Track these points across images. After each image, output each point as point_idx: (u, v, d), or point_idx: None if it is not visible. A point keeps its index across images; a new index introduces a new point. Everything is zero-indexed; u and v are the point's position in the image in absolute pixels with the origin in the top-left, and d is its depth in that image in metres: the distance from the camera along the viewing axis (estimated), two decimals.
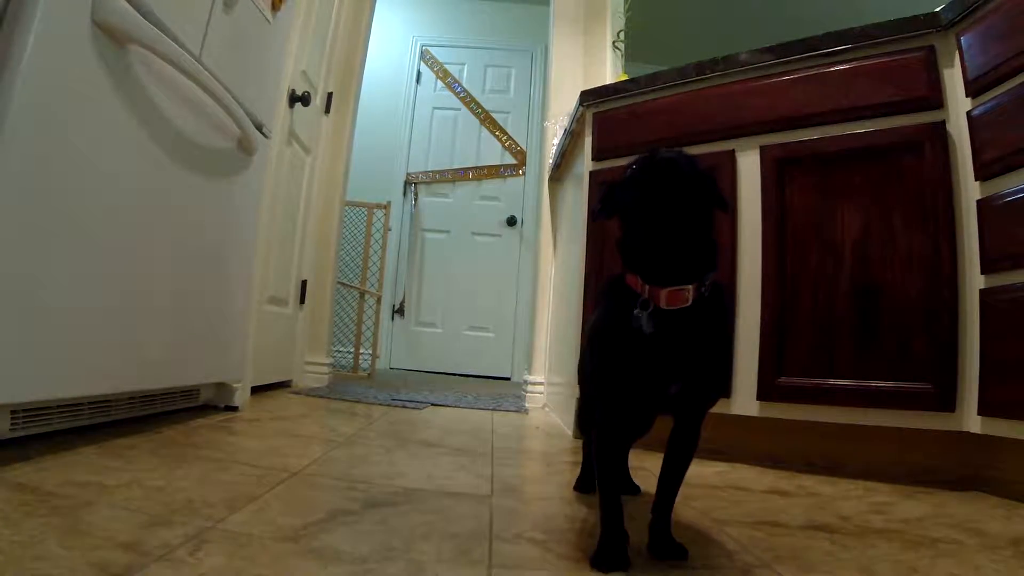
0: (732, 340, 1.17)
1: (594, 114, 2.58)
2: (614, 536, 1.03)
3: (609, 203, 1.09)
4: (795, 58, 2.09)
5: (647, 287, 1.01)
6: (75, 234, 1.38)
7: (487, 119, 5.60)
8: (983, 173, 1.70)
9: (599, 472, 1.10)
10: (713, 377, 1.08)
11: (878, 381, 1.82)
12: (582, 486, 1.53)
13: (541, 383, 3.45)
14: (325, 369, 3.58)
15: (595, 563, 1.00)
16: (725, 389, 1.08)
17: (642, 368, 1.02)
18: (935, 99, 1.83)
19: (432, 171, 5.51)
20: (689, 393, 1.05)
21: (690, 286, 1.00)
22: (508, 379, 5.14)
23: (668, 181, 0.98)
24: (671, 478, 1.12)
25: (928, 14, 1.86)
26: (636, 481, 1.54)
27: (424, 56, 5.70)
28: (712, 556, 1.09)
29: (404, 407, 2.87)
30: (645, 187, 0.99)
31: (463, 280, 5.34)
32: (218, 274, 2.09)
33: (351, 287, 4.49)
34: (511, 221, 5.36)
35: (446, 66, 5.68)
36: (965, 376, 1.71)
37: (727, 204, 1.05)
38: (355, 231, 4.62)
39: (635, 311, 1.01)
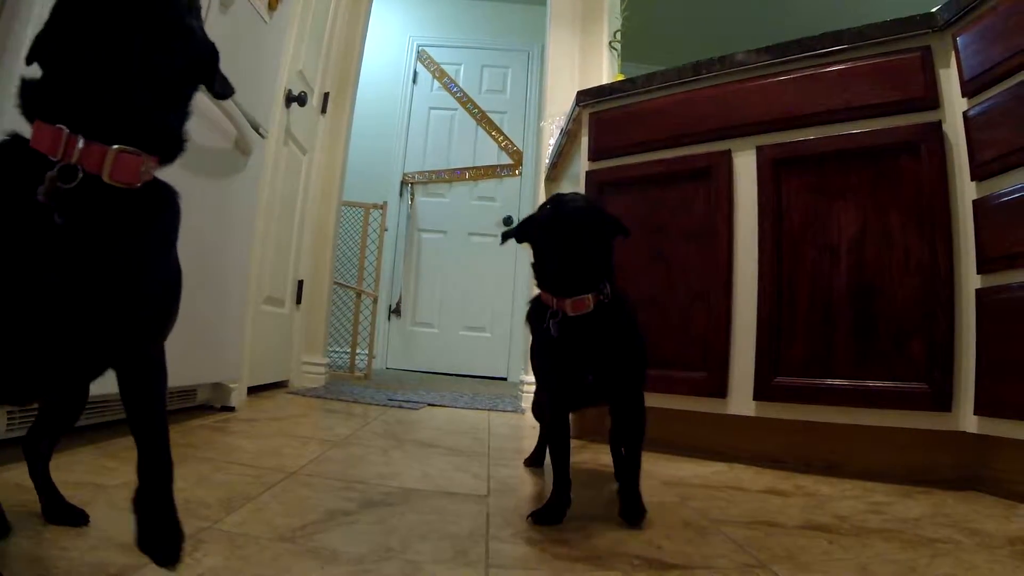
0: (637, 331, 1.36)
1: (590, 114, 2.58)
2: (558, 500, 1.25)
3: (523, 232, 1.37)
4: (791, 58, 2.09)
5: (555, 300, 1.27)
6: None
7: (484, 119, 5.60)
8: (979, 173, 1.70)
9: (551, 446, 1.34)
10: (623, 363, 1.30)
11: (875, 381, 1.82)
12: (532, 462, 1.82)
13: None
14: (322, 369, 3.58)
15: (535, 519, 1.22)
16: (643, 367, 1.36)
17: (561, 363, 1.29)
18: (931, 99, 1.83)
19: (429, 171, 5.51)
20: (604, 380, 1.29)
21: (589, 295, 1.24)
22: (504, 379, 5.13)
23: (567, 221, 1.26)
24: (628, 451, 1.34)
25: (924, 14, 1.86)
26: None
27: (420, 56, 5.70)
28: (709, 556, 1.09)
29: (401, 407, 2.87)
30: (550, 225, 1.28)
31: (459, 280, 5.34)
32: (215, 275, 2.08)
33: (348, 287, 4.48)
34: (507, 221, 5.36)
35: (442, 66, 5.68)
36: (961, 376, 1.71)
37: (627, 230, 1.32)
38: (352, 231, 4.61)
39: (548, 319, 1.27)
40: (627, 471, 1.32)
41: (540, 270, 1.34)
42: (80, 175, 0.62)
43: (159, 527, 0.74)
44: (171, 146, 0.72)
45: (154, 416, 0.78)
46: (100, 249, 0.64)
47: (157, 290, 0.72)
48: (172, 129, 0.72)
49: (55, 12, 0.67)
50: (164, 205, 0.73)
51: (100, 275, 0.64)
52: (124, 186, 0.65)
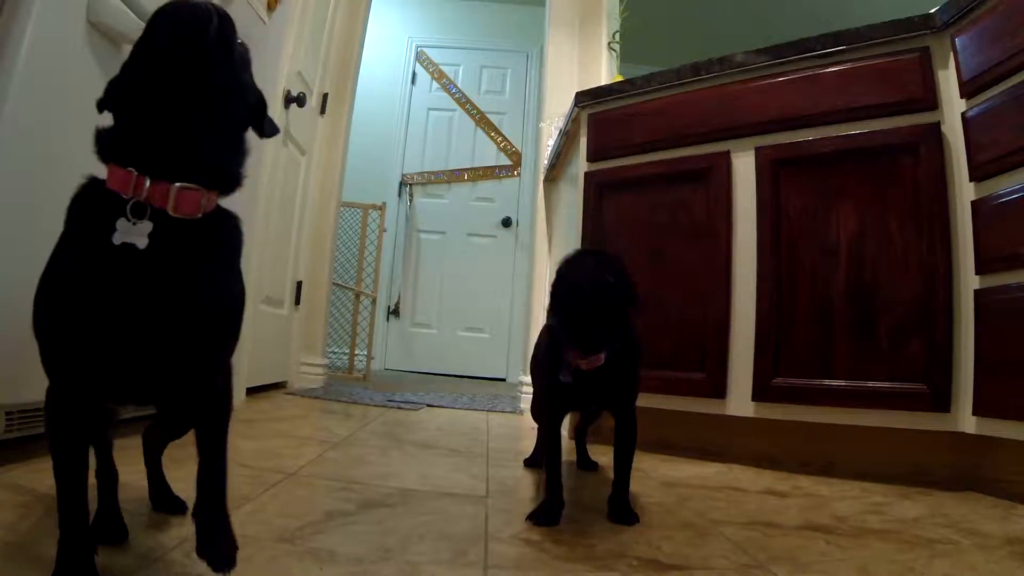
0: (638, 366, 1.42)
1: (589, 115, 2.59)
2: (553, 501, 1.30)
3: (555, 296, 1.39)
4: (790, 59, 2.09)
5: (571, 352, 1.30)
6: None
7: (482, 120, 5.60)
8: (977, 174, 1.70)
9: (546, 451, 1.39)
10: (624, 393, 1.40)
11: (873, 382, 1.82)
12: (531, 462, 1.84)
13: None
14: (320, 370, 3.57)
15: (534, 520, 1.26)
16: (637, 388, 1.43)
17: (570, 396, 1.37)
18: (930, 100, 1.84)
19: (427, 172, 5.51)
20: (605, 403, 1.41)
21: (602, 353, 1.28)
22: (503, 380, 5.13)
23: (579, 296, 1.28)
24: (619, 458, 1.39)
25: (923, 15, 1.86)
26: (633, 481, 1.55)
27: (419, 57, 5.70)
28: (708, 556, 1.09)
29: (399, 408, 2.86)
30: (566, 297, 1.30)
31: (458, 281, 5.34)
32: None
33: (346, 288, 4.48)
34: (506, 222, 5.36)
35: (441, 67, 5.68)
36: (960, 376, 1.71)
37: (636, 302, 1.35)
38: (351, 232, 4.61)
39: (561, 371, 1.32)
40: (620, 478, 1.37)
41: (558, 323, 1.35)
42: (149, 210, 0.73)
43: (216, 536, 0.81)
44: (229, 182, 0.80)
45: (217, 439, 0.86)
46: (169, 271, 0.73)
47: (218, 303, 0.79)
48: (230, 168, 0.81)
49: (128, 67, 0.76)
50: (226, 231, 0.82)
51: (169, 292, 0.73)
52: (188, 217, 0.74)
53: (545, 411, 1.47)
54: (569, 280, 1.34)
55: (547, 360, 1.41)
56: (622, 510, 1.33)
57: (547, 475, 1.36)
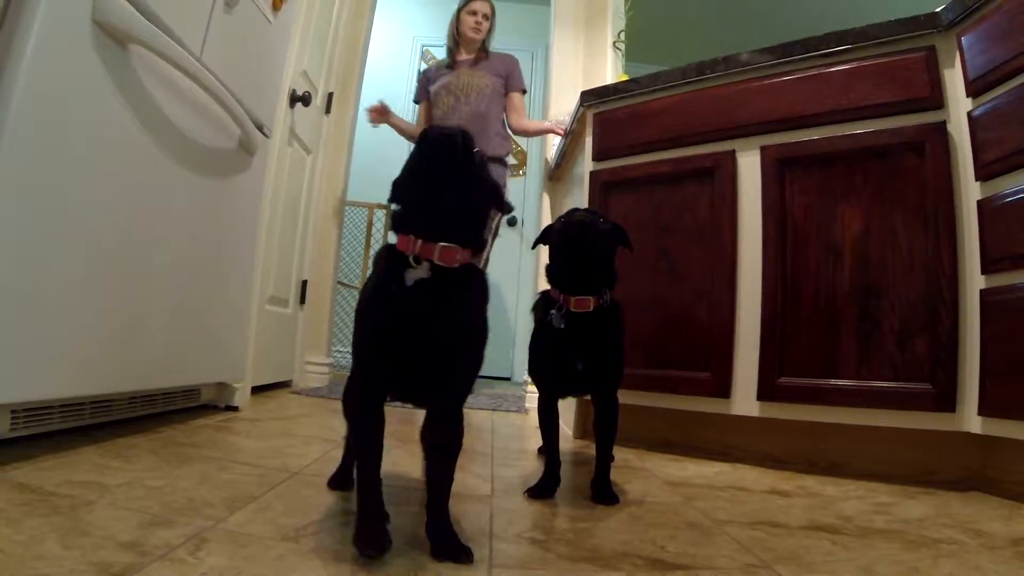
0: (622, 338, 1.58)
1: (594, 114, 2.58)
2: (549, 478, 1.48)
3: (543, 238, 1.62)
4: (796, 58, 2.09)
5: (562, 296, 1.48)
6: (75, 234, 1.38)
7: None
8: (984, 173, 1.70)
9: (542, 431, 1.57)
10: (608, 359, 1.53)
11: (879, 381, 1.82)
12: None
13: None
14: (325, 369, 3.58)
15: (530, 493, 1.44)
16: (620, 372, 1.57)
17: (556, 349, 1.51)
18: (936, 99, 1.83)
19: None
20: (591, 368, 1.49)
21: (591, 297, 1.46)
22: (508, 379, 5.13)
23: (572, 231, 1.49)
24: (601, 443, 1.54)
25: (929, 14, 1.86)
26: (637, 480, 1.55)
27: (425, 56, 5.69)
28: (713, 556, 1.09)
29: (404, 407, 2.86)
30: (560, 235, 1.51)
31: None
32: (219, 274, 2.09)
33: (351, 287, 4.49)
34: (511, 221, 5.35)
35: None
36: (965, 376, 1.71)
37: (629, 242, 1.60)
38: (356, 231, 4.61)
39: (552, 311, 1.49)
40: (599, 461, 1.51)
41: (552, 270, 1.53)
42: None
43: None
44: (475, 243, 1.10)
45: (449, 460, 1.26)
46: (443, 301, 1.04)
47: (467, 329, 1.11)
48: (474, 234, 1.10)
49: (405, 171, 1.15)
50: (476, 280, 1.11)
51: (442, 316, 1.04)
52: (447, 265, 1.04)
53: (537, 381, 1.60)
54: (563, 222, 1.52)
55: (541, 309, 1.56)
56: (604, 492, 1.45)
57: (545, 451, 1.54)
